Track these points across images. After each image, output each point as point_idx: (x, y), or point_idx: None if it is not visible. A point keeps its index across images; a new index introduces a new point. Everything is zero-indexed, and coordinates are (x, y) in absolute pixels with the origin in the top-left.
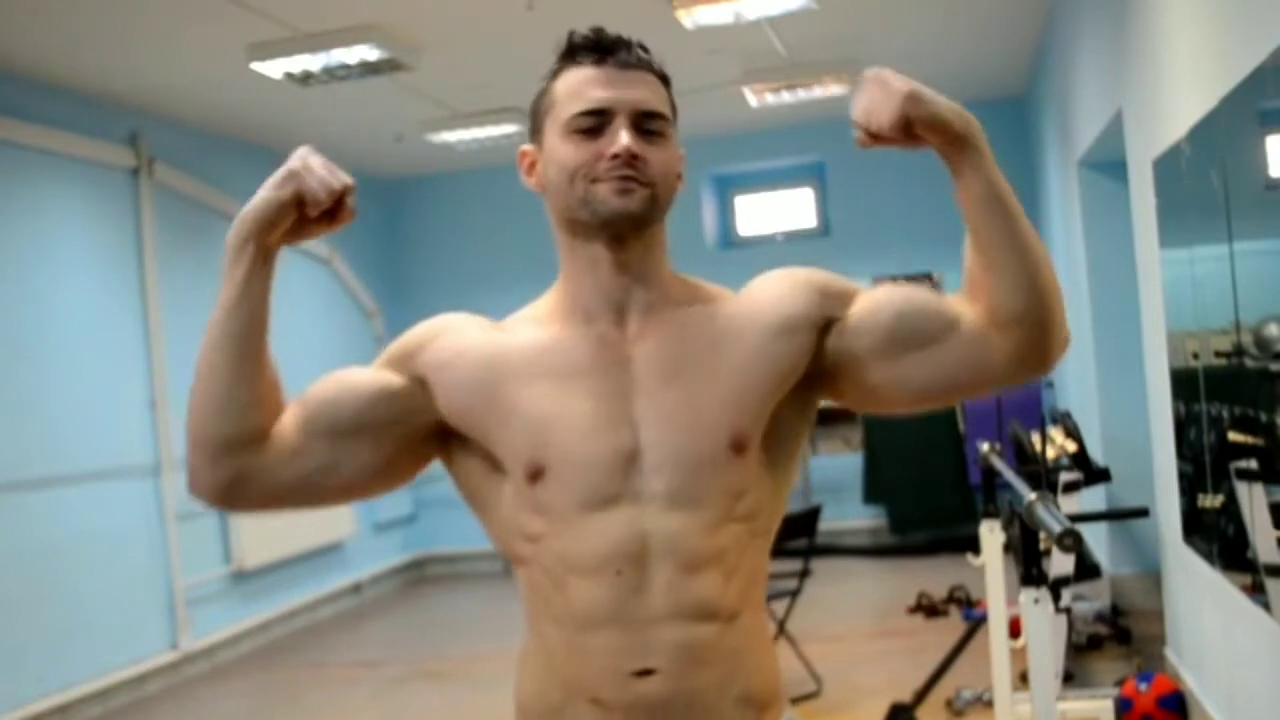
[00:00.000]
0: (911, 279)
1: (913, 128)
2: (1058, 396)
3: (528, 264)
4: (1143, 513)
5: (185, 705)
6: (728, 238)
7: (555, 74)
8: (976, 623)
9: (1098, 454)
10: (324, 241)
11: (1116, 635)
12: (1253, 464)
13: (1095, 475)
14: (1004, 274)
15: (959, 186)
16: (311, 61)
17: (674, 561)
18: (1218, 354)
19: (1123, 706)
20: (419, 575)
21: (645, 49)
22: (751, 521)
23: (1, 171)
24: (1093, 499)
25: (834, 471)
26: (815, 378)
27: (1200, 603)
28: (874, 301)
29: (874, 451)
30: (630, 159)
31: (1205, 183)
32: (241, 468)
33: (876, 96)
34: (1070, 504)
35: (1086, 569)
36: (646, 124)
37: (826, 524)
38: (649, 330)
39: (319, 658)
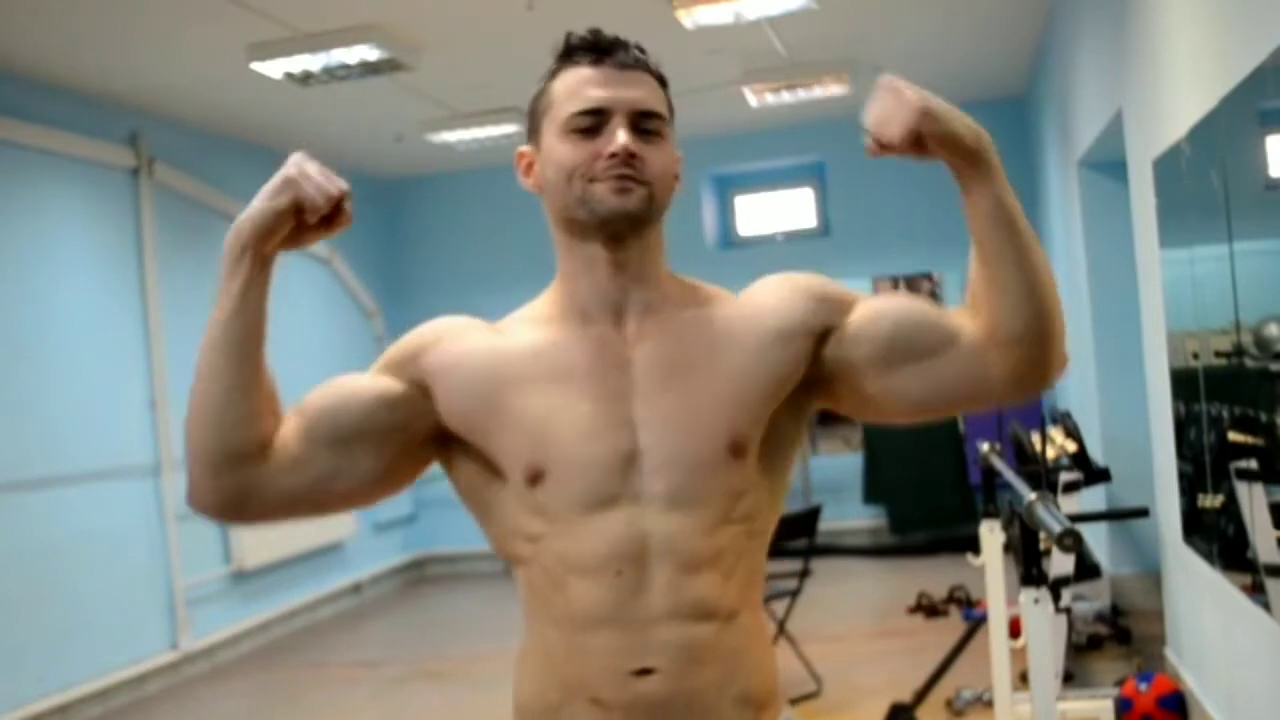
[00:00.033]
0: (911, 279)
1: (924, 142)
2: (1058, 396)
3: (528, 264)
4: (1143, 513)
5: (185, 705)
6: (728, 238)
7: (553, 75)
8: (976, 623)
9: (1098, 454)
10: (324, 242)
11: (1116, 635)
12: (1253, 464)
13: (1095, 475)
14: (1007, 292)
15: (968, 203)
16: (311, 61)
17: (673, 562)
18: (1218, 354)
19: (1123, 706)
20: (419, 575)
21: (642, 50)
22: (750, 522)
23: (1, 171)
24: (1093, 499)
25: (834, 471)
26: (812, 384)
27: (1200, 603)
28: (873, 311)
29: (874, 451)
30: (628, 158)
31: (1205, 183)
32: (244, 480)
33: (889, 107)
34: (1070, 504)
35: (1086, 569)
36: (644, 124)
37: (826, 524)
38: (647, 331)
39: (319, 658)
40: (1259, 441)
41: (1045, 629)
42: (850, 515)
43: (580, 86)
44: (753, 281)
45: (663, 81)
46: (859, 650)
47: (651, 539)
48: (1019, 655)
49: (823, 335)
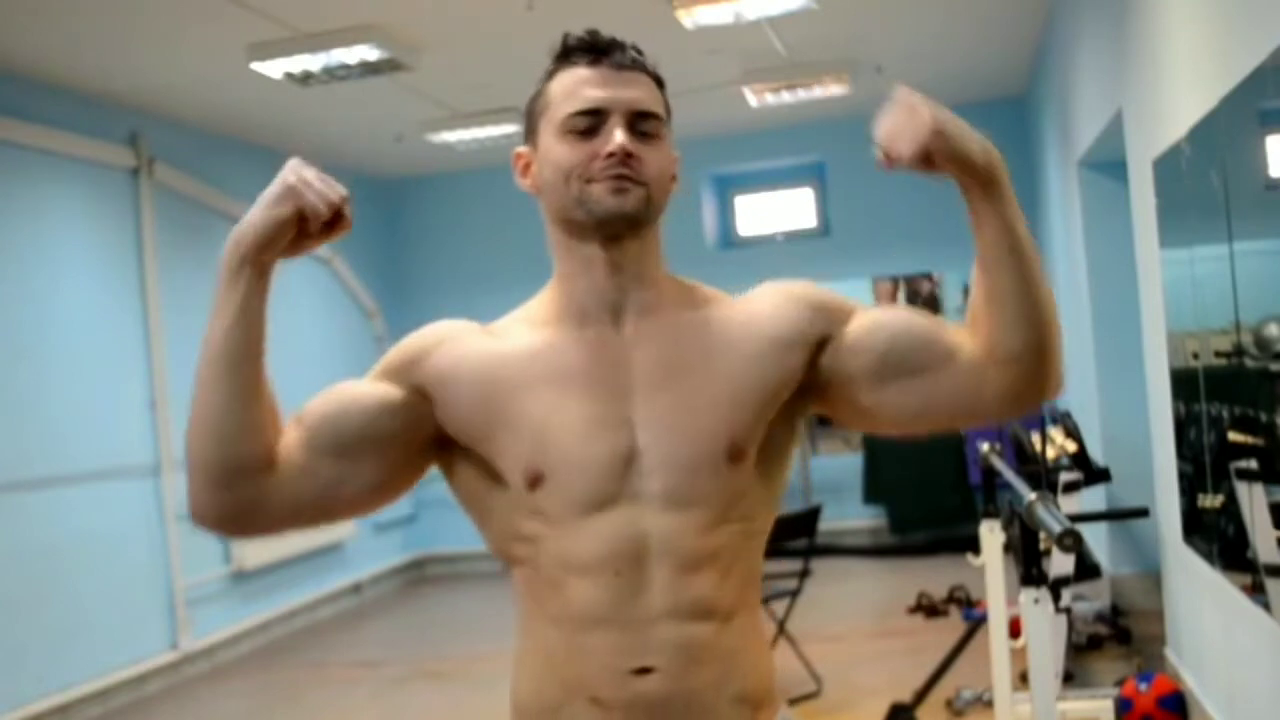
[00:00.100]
0: (911, 279)
1: (933, 159)
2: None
3: (528, 264)
4: (1143, 513)
5: (185, 705)
6: (728, 238)
7: (550, 75)
8: (976, 623)
9: (1098, 454)
10: None
11: (1116, 635)
12: (1253, 464)
13: (1095, 475)
14: (1006, 312)
15: (975, 222)
16: (311, 61)
17: (672, 561)
18: (1218, 354)
19: (1123, 706)
20: (419, 575)
21: (639, 51)
22: (747, 522)
23: (1, 171)
24: (1093, 499)
25: (834, 471)
26: (807, 390)
27: (1200, 603)
28: (871, 322)
29: (874, 451)
30: (625, 158)
31: (1205, 183)
32: (250, 493)
33: (902, 122)
34: (1070, 504)
35: (1086, 569)
36: (641, 124)
37: (826, 524)
38: (645, 331)
39: (319, 658)
40: (1259, 441)
41: (1045, 629)
42: (850, 515)
43: (577, 87)
44: (753, 281)
45: (660, 82)
46: (859, 650)
47: (650, 539)
48: (1019, 655)
49: (819, 344)
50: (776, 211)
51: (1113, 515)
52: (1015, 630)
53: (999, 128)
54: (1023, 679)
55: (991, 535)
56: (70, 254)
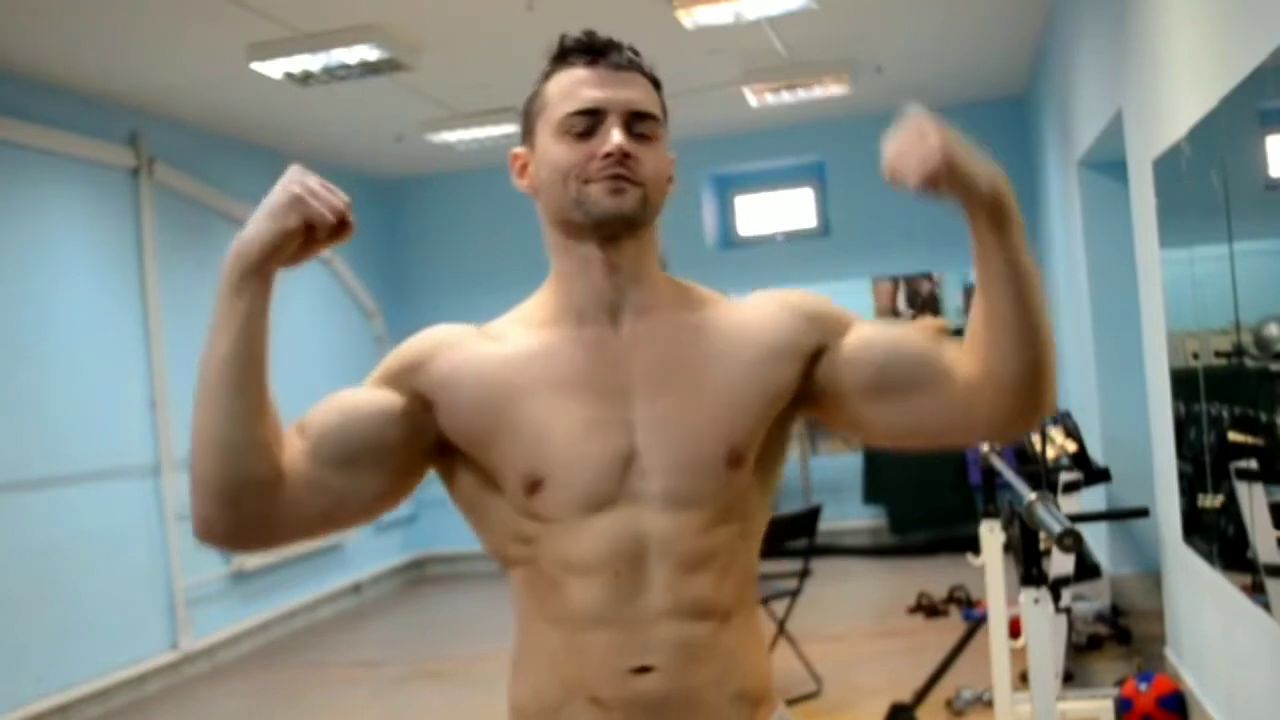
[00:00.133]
0: (911, 279)
1: (939, 184)
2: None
3: (528, 264)
4: (1143, 513)
5: (185, 705)
6: (728, 238)
7: (547, 76)
8: (976, 623)
9: (1098, 454)
10: None
11: (1116, 635)
12: (1253, 464)
13: (1095, 475)
14: (1004, 338)
15: (977, 249)
16: (311, 61)
17: (671, 561)
18: (1218, 354)
19: (1123, 706)
20: (419, 575)
21: (636, 51)
22: (745, 523)
23: (1, 171)
24: (1093, 499)
25: (834, 471)
26: (802, 398)
27: (1200, 603)
28: (867, 337)
29: (874, 452)
30: (622, 158)
31: (1205, 183)
32: (259, 508)
33: (910, 146)
34: (1070, 504)
35: (1086, 569)
36: (638, 125)
37: (826, 524)
38: (643, 332)
39: (319, 658)
40: (1259, 441)
41: (1045, 629)
42: (850, 515)
43: (574, 87)
44: (753, 281)
45: (656, 83)
46: (859, 650)
47: (650, 539)
48: (1019, 655)
49: (815, 355)
50: (776, 212)
51: (1113, 515)
52: (1015, 630)
53: (999, 128)
54: (1023, 679)
55: (991, 535)
56: (70, 254)
